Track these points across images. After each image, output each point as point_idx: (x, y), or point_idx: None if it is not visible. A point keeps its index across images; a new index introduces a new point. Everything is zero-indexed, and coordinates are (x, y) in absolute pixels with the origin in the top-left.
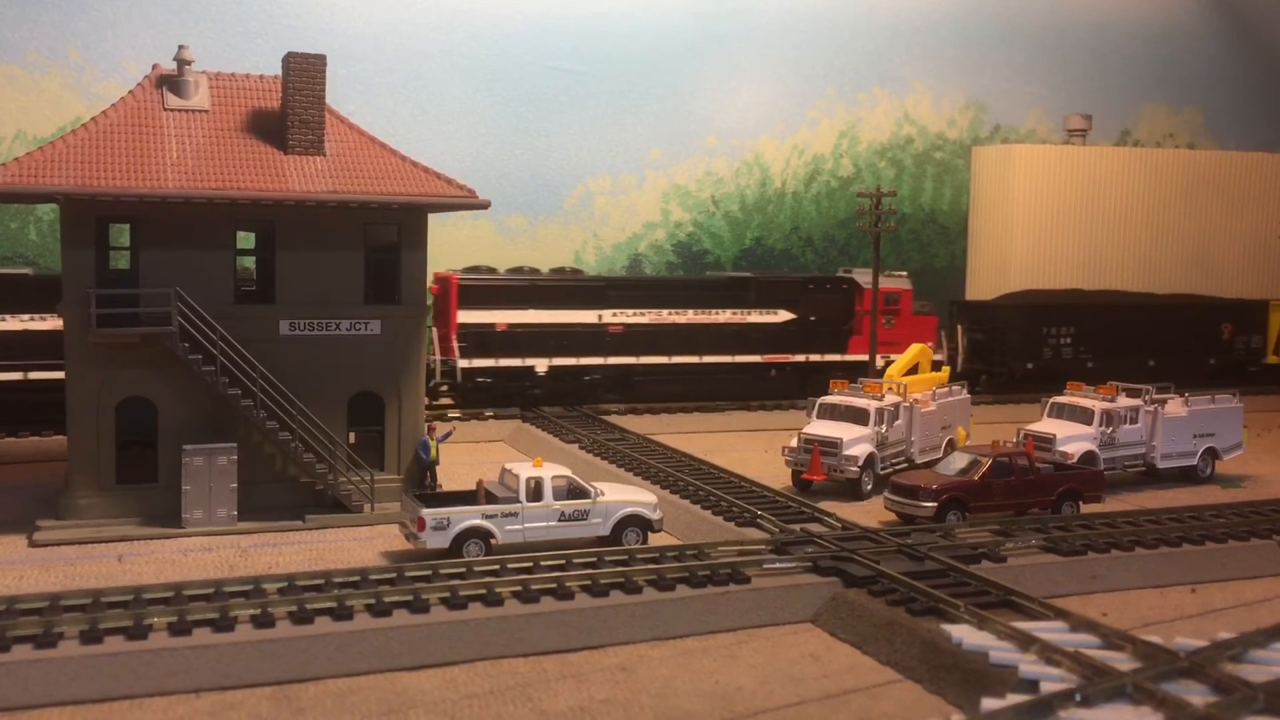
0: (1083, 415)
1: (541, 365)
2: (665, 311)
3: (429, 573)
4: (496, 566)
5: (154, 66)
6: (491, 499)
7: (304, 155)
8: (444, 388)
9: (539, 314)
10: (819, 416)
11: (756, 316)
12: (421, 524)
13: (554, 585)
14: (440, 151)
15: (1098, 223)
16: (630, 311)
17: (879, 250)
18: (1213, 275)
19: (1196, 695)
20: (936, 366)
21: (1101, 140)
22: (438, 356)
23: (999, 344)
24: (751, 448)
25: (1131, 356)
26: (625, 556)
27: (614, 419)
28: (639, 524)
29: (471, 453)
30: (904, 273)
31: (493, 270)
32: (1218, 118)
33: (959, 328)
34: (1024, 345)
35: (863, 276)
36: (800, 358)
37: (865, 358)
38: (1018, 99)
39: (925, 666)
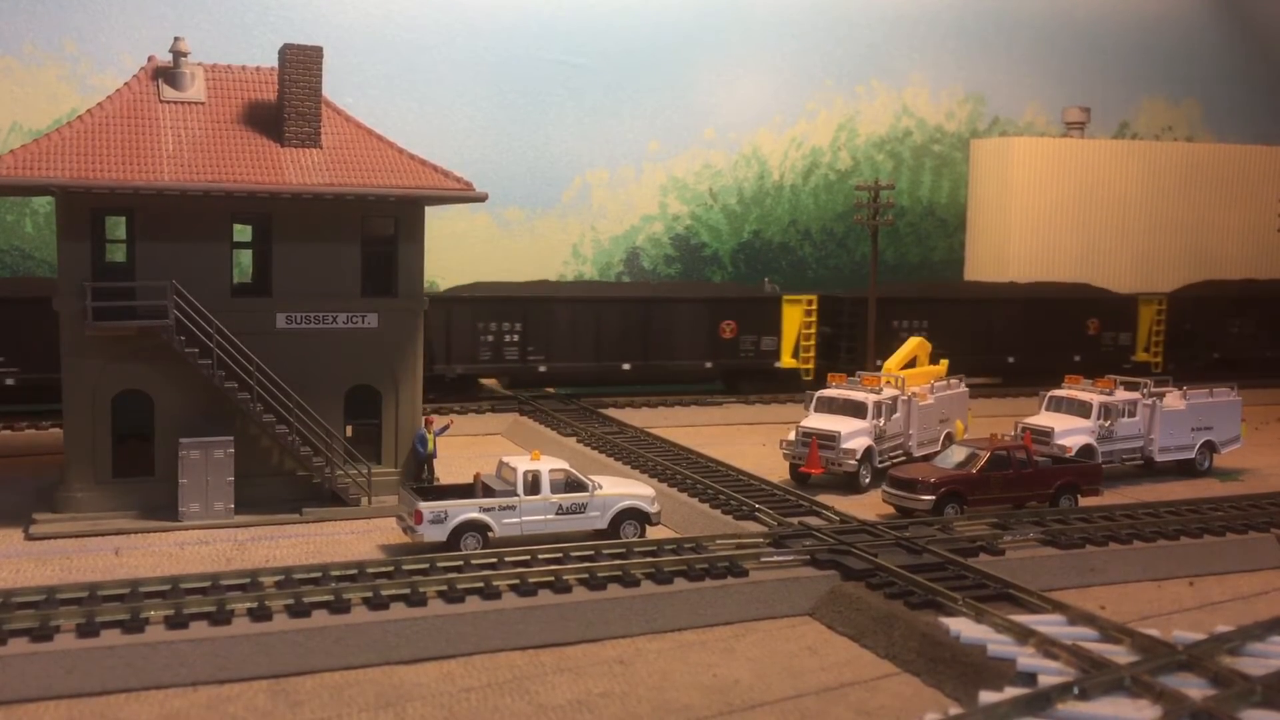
0: (1080, 409)
1: None
2: None
3: (426, 566)
4: (494, 560)
5: (150, 58)
6: (489, 492)
7: (300, 148)
8: None
9: None
10: (817, 410)
11: None
12: (419, 517)
13: (551, 579)
14: (437, 144)
15: (1096, 215)
16: None
17: (877, 244)
18: (1211, 267)
19: (1194, 688)
20: None
21: (1100, 133)
22: None
23: None
24: (749, 441)
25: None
26: (623, 550)
27: (612, 412)
28: (637, 517)
29: (468, 446)
30: None
31: None
32: (1216, 110)
33: None
34: None
35: None
36: None
37: None
38: (1016, 91)
39: (923, 659)
